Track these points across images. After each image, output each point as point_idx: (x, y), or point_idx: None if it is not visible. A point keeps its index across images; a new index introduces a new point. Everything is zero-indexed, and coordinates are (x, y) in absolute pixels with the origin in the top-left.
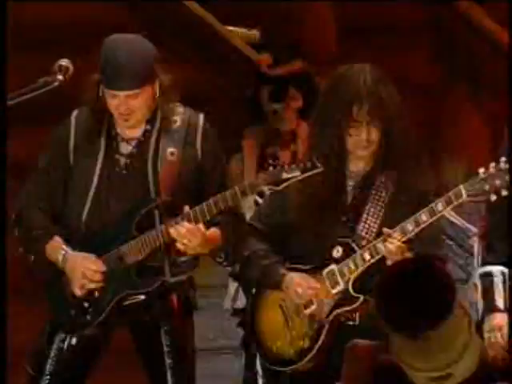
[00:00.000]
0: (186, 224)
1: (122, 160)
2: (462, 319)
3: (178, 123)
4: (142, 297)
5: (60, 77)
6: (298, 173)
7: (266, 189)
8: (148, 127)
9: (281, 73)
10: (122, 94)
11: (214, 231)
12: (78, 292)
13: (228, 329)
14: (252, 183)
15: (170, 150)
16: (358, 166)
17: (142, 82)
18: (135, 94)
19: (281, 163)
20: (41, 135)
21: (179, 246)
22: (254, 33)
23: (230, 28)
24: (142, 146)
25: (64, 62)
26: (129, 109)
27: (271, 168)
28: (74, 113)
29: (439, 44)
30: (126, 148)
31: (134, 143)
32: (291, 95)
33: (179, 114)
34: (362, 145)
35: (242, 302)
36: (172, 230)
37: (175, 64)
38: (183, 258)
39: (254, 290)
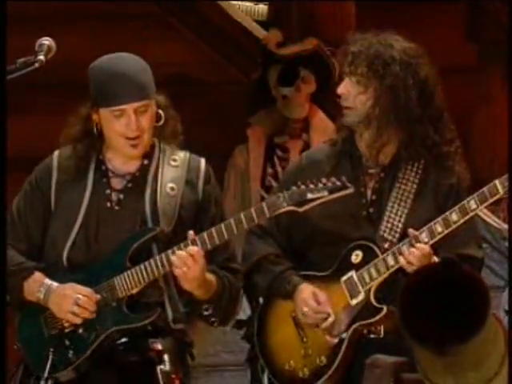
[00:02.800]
0: (190, 247)
1: (114, 195)
2: (497, 332)
3: (178, 163)
4: (133, 334)
5: (41, 57)
6: (325, 193)
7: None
8: (146, 162)
9: (291, 52)
10: (131, 106)
11: (211, 275)
12: (72, 320)
13: (231, 342)
14: (272, 204)
15: (170, 185)
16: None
17: (149, 92)
18: (145, 106)
19: (290, 155)
20: (20, 123)
21: (177, 271)
22: (262, 7)
23: (234, 2)
24: (137, 180)
25: (46, 40)
26: (139, 128)
27: (278, 162)
28: (56, 152)
29: (474, 21)
30: (119, 183)
31: (128, 178)
32: (303, 78)
33: (178, 156)
34: None
35: (246, 312)
36: (174, 258)
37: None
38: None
39: (261, 300)
